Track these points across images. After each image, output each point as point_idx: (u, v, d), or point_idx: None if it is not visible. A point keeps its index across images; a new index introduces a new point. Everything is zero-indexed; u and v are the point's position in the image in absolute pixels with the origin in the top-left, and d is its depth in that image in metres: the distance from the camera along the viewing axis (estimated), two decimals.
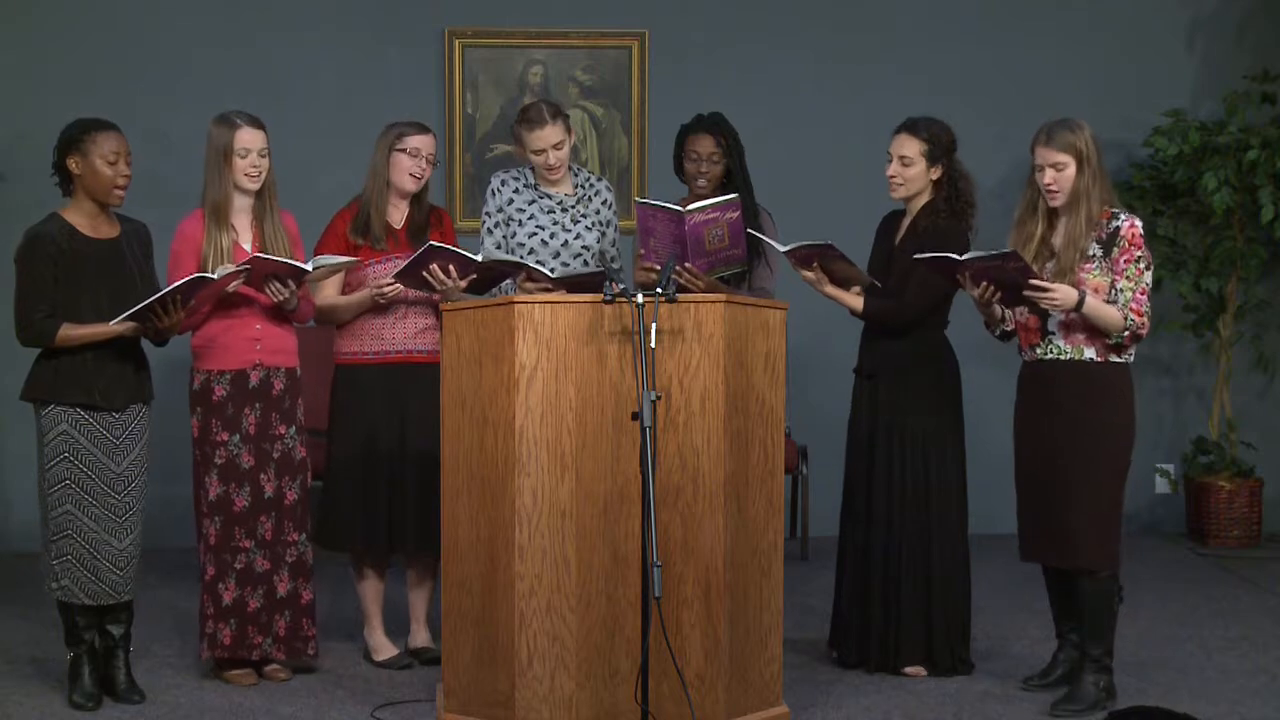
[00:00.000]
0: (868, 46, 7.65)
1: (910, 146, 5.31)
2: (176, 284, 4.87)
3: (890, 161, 5.34)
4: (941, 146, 5.33)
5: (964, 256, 4.88)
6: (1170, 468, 7.81)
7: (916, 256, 5.05)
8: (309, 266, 5.11)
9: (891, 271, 5.31)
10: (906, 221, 5.41)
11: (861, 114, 7.14)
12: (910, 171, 5.32)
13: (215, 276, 4.94)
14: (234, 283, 5.05)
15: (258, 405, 5.22)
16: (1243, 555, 7.35)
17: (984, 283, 4.90)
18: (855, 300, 5.30)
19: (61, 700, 5.08)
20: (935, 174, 5.34)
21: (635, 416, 4.37)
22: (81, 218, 4.99)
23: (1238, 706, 5.07)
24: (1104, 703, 4.97)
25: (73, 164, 4.96)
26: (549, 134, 5.39)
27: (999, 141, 7.37)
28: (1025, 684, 5.25)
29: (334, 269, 5.25)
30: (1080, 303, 4.85)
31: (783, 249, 5.15)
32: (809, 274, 5.24)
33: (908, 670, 5.37)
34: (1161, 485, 7.83)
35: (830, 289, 5.27)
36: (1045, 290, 4.84)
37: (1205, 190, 7.23)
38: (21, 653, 5.64)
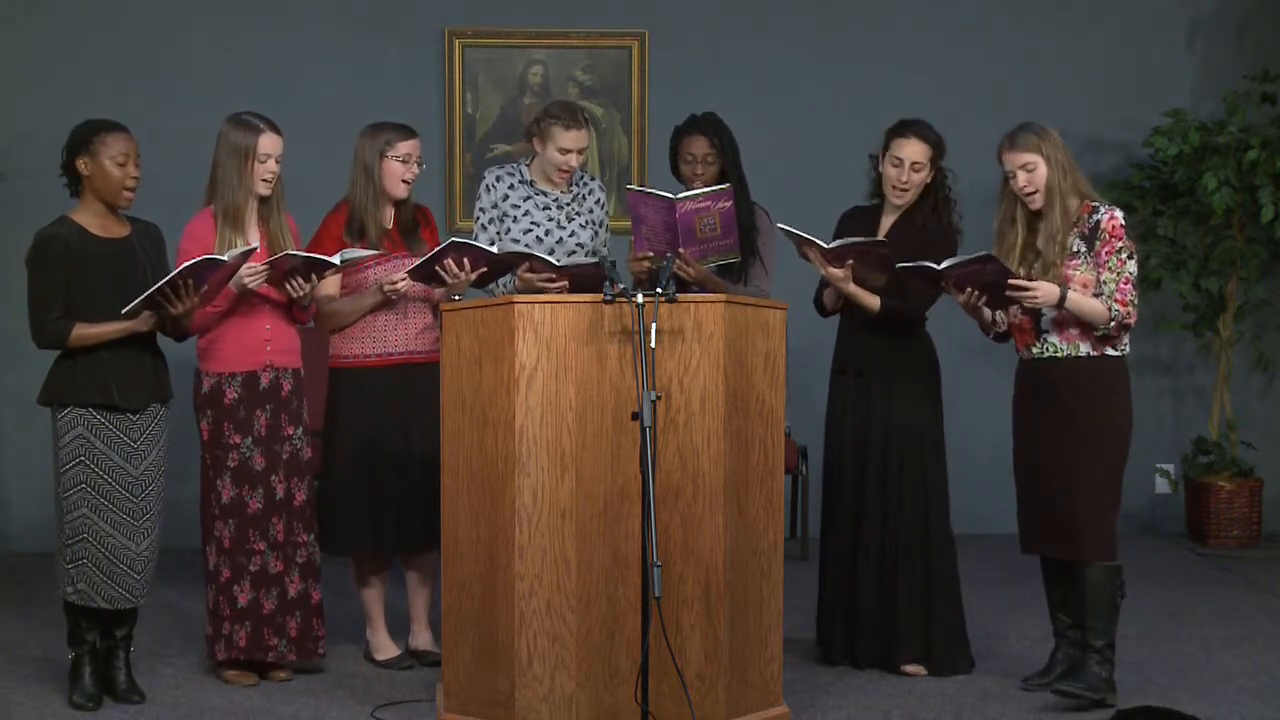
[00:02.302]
0: (868, 46, 7.65)
1: (922, 152, 5.34)
2: (185, 265, 4.85)
3: (899, 166, 5.33)
4: (942, 150, 5.40)
5: (942, 265, 4.94)
6: (1170, 468, 7.81)
7: (900, 265, 5.08)
8: (336, 260, 5.11)
9: (894, 281, 5.31)
10: (889, 219, 5.42)
11: (861, 114, 7.12)
12: (919, 177, 5.36)
13: (225, 259, 4.93)
14: (253, 279, 5.05)
15: (268, 407, 5.22)
16: (1243, 555, 7.35)
17: (968, 288, 4.97)
18: (871, 299, 5.29)
19: (62, 700, 5.08)
20: (930, 176, 5.38)
21: (635, 416, 4.37)
22: (91, 219, 4.99)
23: (1237, 706, 5.07)
24: (1104, 690, 4.97)
25: (82, 165, 4.96)
26: (581, 138, 5.41)
27: (999, 141, 7.36)
28: (1025, 683, 5.26)
29: (359, 262, 5.26)
30: (1063, 299, 4.91)
31: (827, 245, 5.13)
32: (837, 271, 5.22)
33: (908, 668, 5.37)
34: (1161, 485, 7.82)
35: (851, 287, 5.26)
36: (1026, 289, 4.91)
37: (1205, 190, 7.23)
38: (23, 653, 5.64)
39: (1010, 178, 5.05)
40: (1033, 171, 5.00)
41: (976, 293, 4.96)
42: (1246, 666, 5.53)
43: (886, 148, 5.38)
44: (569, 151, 5.41)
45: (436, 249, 5.18)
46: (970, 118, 7.23)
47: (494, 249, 5.22)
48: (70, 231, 4.94)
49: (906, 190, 5.35)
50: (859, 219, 5.49)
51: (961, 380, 5.50)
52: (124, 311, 4.86)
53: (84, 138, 4.96)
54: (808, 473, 7.20)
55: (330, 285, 5.40)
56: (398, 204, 5.46)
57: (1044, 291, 4.91)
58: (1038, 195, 5.01)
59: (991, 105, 7.52)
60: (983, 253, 4.93)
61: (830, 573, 5.47)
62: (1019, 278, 4.93)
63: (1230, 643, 5.83)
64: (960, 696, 5.18)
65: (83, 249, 4.93)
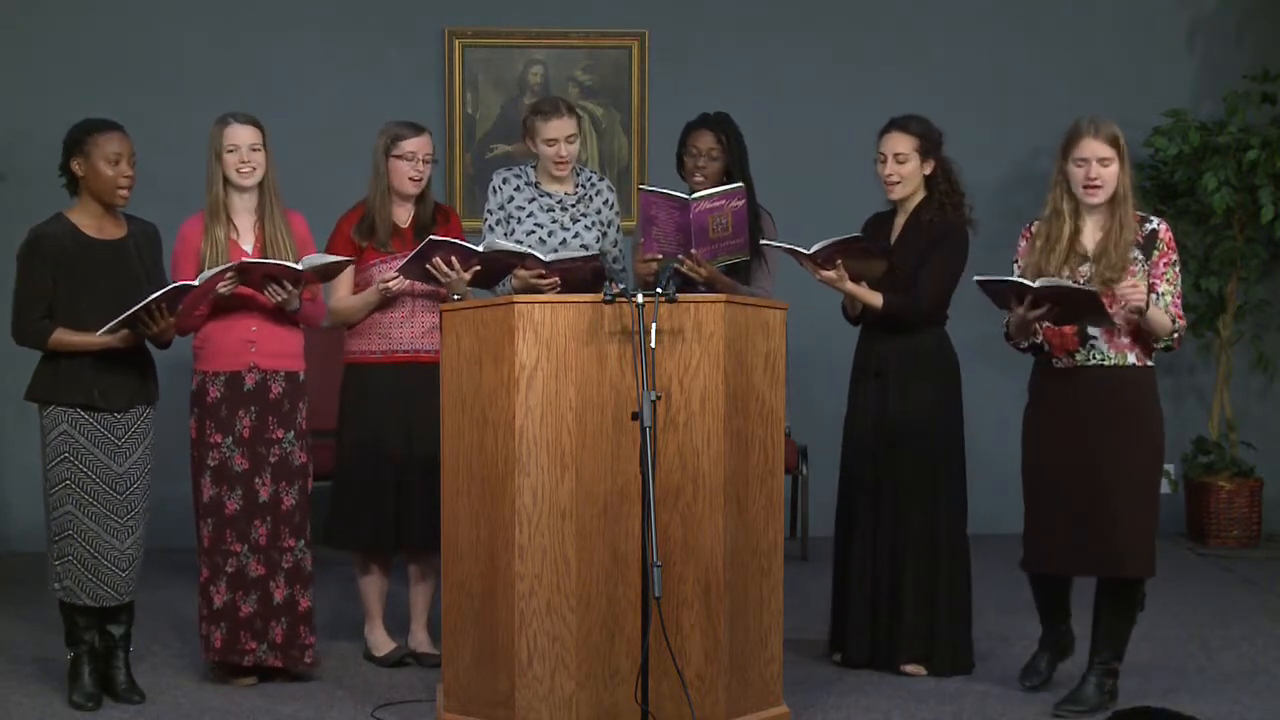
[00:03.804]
0: (868, 47, 7.66)
1: (904, 143, 5.33)
2: (157, 294, 4.86)
3: (884, 161, 5.35)
4: (932, 141, 5.36)
5: (1037, 283, 4.73)
6: (1170, 468, 7.80)
7: (977, 279, 4.87)
8: (299, 267, 5.11)
9: (892, 270, 5.31)
10: (901, 219, 5.42)
11: (863, 114, 7.12)
12: (906, 168, 5.33)
13: (197, 284, 4.93)
14: (224, 285, 5.03)
15: (253, 408, 5.19)
16: (1243, 555, 7.35)
17: (1048, 304, 4.74)
18: (874, 296, 5.29)
19: (62, 700, 5.08)
20: (928, 169, 5.37)
21: (635, 416, 4.37)
22: (86, 218, 4.99)
23: (1237, 706, 5.07)
24: (1106, 704, 4.96)
25: (76, 165, 4.97)
26: (564, 125, 5.40)
27: (999, 141, 7.39)
28: (1025, 684, 5.25)
29: (325, 268, 5.24)
30: (1147, 304, 4.73)
31: (808, 251, 5.13)
32: (829, 273, 5.21)
33: (907, 668, 5.37)
34: (1162, 485, 7.81)
35: (850, 285, 5.25)
36: (1124, 294, 4.70)
37: (1205, 190, 7.24)
38: (22, 652, 5.64)
39: (1078, 164, 4.83)
40: (1107, 167, 4.81)
41: (1058, 309, 4.74)
42: (1246, 666, 5.53)
43: (877, 148, 5.39)
44: (555, 141, 5.41)
45: (418, 248, 5.19)
46: (971, 118, 7.24)
47: (479, 247, 5.22)
48: (64, 230, 4.95)
49: (897, 183, 5.34)
50: (876, 226, 5.48)
51: (968, 381, 5.48)
52: (100, 332, 4.87)
53: (78, 138, 4.97)
54: (808, 473, 7.19)
55: (341, 289, 5.42)
56: (416, 202, 5.48)
57: (1138, 292, 4.69)
58: (1101, 192, 4.83)
59: (991, 105, 7.54)
60: (1092, 288, 4.70)
61: (847, 574, 5.45)
62: (1108, 295, 4.71)
63: (1230, 643, 5.83)
64: (960, 696, 5.18)
65: (75, 248, 4.93)
